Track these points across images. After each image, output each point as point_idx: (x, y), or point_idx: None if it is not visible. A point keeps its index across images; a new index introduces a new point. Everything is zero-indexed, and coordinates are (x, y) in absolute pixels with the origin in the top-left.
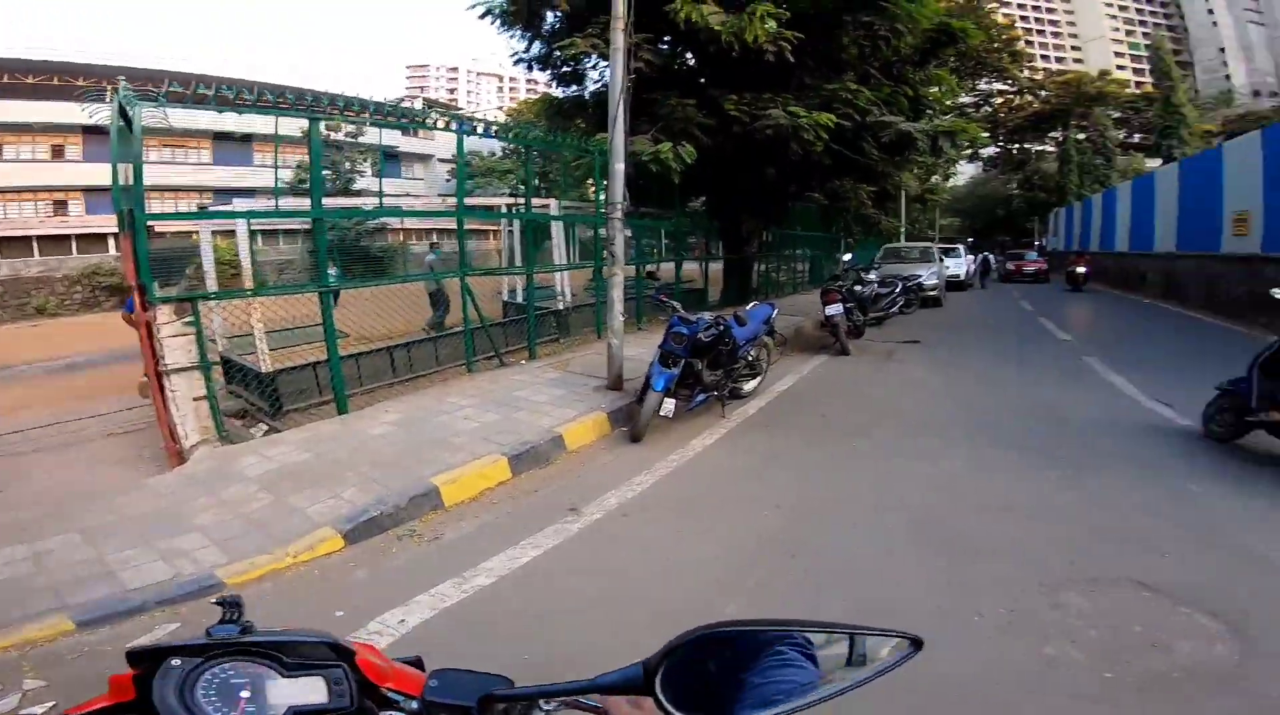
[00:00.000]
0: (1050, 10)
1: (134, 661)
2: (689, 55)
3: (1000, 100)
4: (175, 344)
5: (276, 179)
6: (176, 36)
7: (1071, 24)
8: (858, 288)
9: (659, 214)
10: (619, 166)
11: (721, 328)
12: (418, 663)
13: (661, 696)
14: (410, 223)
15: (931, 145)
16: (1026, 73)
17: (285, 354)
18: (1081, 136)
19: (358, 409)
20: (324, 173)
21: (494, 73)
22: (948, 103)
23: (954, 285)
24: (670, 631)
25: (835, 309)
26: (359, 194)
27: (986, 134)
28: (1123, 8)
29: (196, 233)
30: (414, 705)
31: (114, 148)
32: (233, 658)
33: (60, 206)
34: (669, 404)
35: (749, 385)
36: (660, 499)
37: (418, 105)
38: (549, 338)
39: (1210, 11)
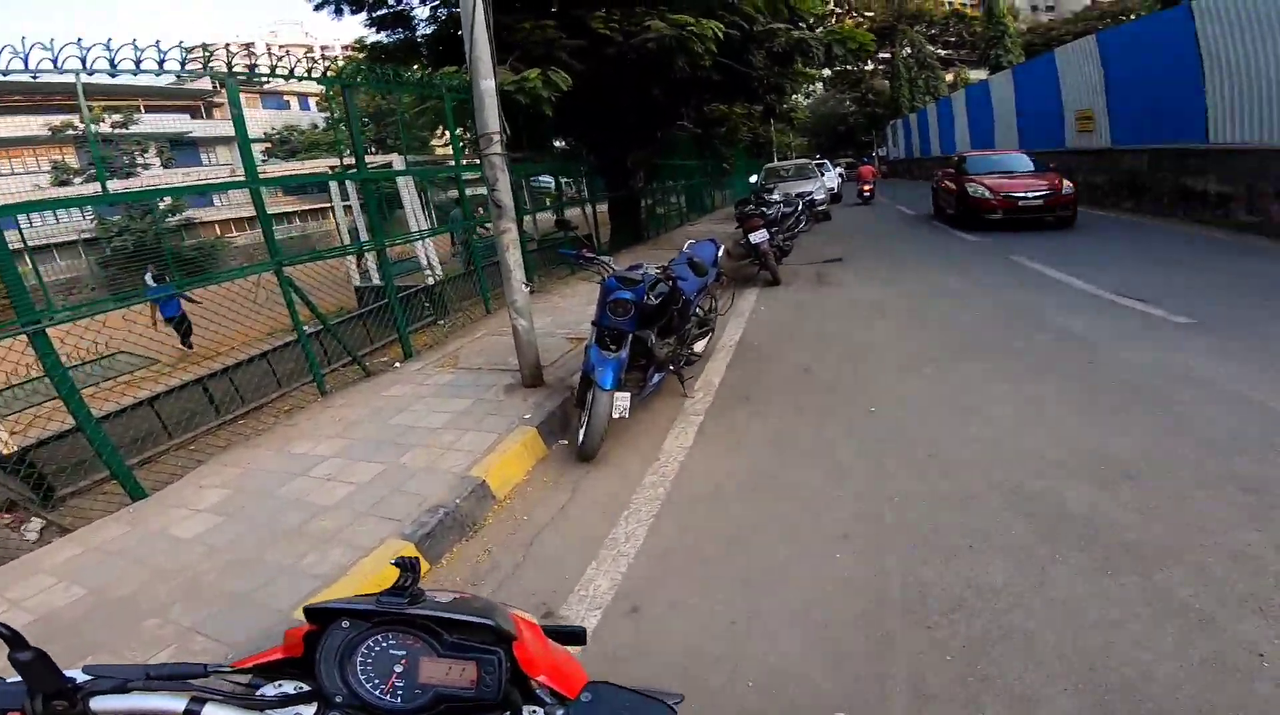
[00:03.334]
0: None
1: (311, 618)
2: None
3: (833, 21)
4: None
5: None
6: None
7: None
8: (765, 210)
9: (529, 157)
10: (487, 84)
11: (671, 283)
12: (578, 635)
13: None
14: (233, 213)
15: (826, 53)
16: None
17: (56, 409)
18: (907, 52)
19: (164, 482)
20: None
21: (300, 43)
22: (815, 13)
23: (830, 199)
24: None
25: (761, 236)
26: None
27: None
28: None
29: None
30: (558, 713)
31: None
32: (398, 628)
33: None
34: (622, 401)
35: (700, 345)
36: (670, 562)
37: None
38: (424, 323)
39: None
